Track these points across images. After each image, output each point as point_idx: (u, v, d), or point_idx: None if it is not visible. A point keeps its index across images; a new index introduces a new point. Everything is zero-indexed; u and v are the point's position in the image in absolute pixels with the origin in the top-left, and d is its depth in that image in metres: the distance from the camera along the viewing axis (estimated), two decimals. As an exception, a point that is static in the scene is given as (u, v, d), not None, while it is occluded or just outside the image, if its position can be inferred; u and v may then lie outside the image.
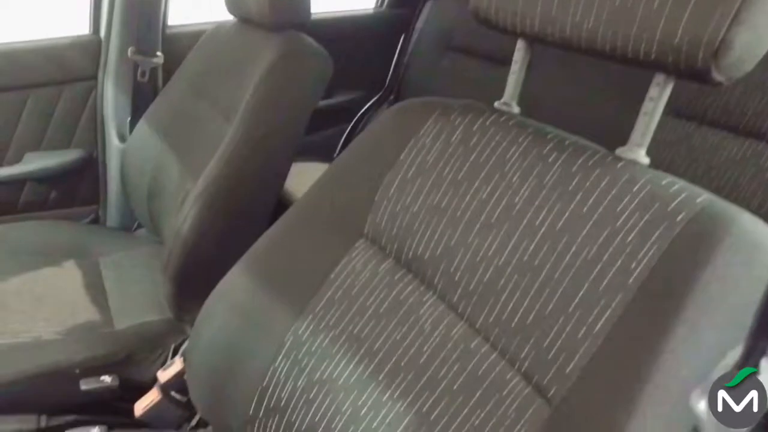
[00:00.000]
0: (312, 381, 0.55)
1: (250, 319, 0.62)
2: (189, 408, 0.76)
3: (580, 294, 0.43)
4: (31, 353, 0.82)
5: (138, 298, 0.98)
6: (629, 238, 0.43)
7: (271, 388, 0.58)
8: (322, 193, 0.65)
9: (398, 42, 1.66)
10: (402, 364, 0.51)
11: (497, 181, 0.52)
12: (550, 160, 0.50)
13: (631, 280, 0.42)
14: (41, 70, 1.29)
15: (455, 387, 0.47)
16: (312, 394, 0.55)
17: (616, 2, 0.44)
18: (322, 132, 1.61)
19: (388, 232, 0.58)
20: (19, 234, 1.13)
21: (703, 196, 0.43)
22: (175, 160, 1.04)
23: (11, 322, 0.86)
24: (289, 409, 0.56)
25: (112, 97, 1.33)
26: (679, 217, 0.42)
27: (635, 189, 0.45)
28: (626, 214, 0.44)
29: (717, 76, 0.41)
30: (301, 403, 0.55)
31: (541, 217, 0.48)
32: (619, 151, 0.49)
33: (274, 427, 0.57)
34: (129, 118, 1.35)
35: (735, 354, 0.30)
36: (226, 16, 1.11)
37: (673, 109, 0.95)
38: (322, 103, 1.54)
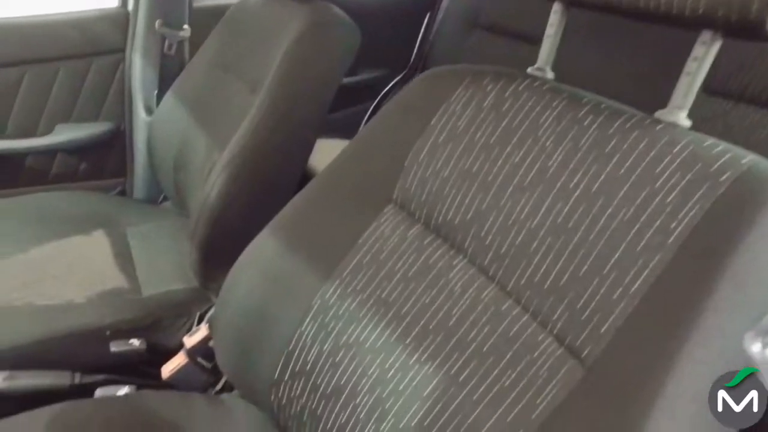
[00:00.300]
0: (338, 344, 0.55)
1: (277, 284, 0.62)
2: (214, 373, 0.77)
3: (616, 255, 0.42)
4: (63, 314, 0.84)
5: (164, 267, 1.00)
6: (669, 199, 0.42)
7: (297, 352, 0.58)
8: (350, 161, 0.65)
9: (424, 19, 1.63)
10: (430, 327, 0.51)
11: (530, 145, 0.51)
12: (585, 123, 0.49)
13: (670, 240, 0.40)
14: (71, 42, 1.30)
15: (485, 348, 0.47)
16: (338, 358, 0.55)
17: None
18: (345, 110, 1.60)
19: (418, 197, 0.58)
20: (51, 203, 1.16)
21: (749, 157, 0.42)
22: (201, 132, 1.04)
23: (46, 286, 0.88)
24: (315, 372, 0.56)
25: (139, 70, 1.34)
26: (723, 177, 0.41)
27: (676, 150, 0.43)
28: (666, 174, 0.43)
29: None
30: (327, 366, 0.55)
31: (575, 180, 0.47)
32: (658, 113, 0.48)
33: (299, 390, 0.58)
34: (156, 91, 1.36)
35: None
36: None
37: (709, 87, 0.92)
38: (346, 80, 1.53)
